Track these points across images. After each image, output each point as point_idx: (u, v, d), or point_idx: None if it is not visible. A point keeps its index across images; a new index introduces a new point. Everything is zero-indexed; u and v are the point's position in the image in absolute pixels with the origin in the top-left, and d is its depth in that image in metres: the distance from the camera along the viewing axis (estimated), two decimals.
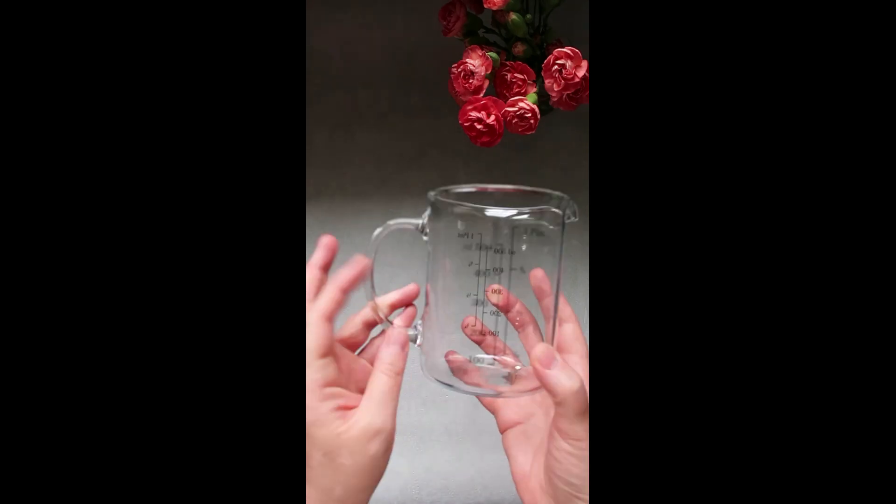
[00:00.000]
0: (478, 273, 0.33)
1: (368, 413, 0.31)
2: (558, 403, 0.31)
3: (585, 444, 0.30)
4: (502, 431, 0.37)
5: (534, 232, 0.32)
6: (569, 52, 0.46)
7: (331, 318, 0.34)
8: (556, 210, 0.33)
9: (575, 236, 0.62)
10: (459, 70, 0.48)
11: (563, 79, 0.46)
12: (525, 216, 0.32)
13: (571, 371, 0.31)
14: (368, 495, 0.32)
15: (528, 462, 0.34)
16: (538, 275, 0.34)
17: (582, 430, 0.30)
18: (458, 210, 0.33)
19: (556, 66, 0.47)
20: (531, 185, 0.37)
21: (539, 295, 0.35)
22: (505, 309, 0.34)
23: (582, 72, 0.46)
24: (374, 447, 0.31)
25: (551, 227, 0.33)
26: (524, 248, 0.32)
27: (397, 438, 0.61)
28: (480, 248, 0.32)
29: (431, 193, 0.35)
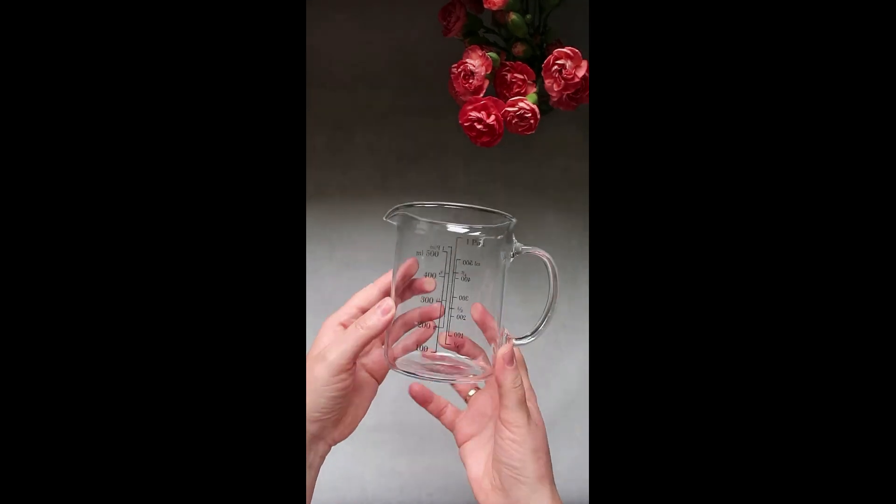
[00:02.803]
0: (432, 275, 0.38)
1: (333, 347, 0.37)
2: (502, 395, 0.37)
3: (524, 431, 0.36)
4: (460, 445, 0.42)
5: (474, 243, 0.37)
6: (569, 52, 0.46)
7: (379, 288, 0.41)
8: (500, 226, 0.38)
9: (575, 236, 0.62)
10: (459, 70, 0.48)
11: (563, 79, 0.46)
12: (476, 232, 0.37)
13: (517, 373, 0.37)
14: (313, 415, 0.37)
15: (482, 466, 0.39)
16: (479, 308, 0.39)
17: (521, 419, 0.36)
18: (418, 228, 0.38)
19: (556, 66, 0.47)
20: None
21: (483, 327, 0.40)
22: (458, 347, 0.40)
23: (582, 72, 0.46)
24: (318, 370, 0.37)
25: (497, 237, 0.38)
26: (470, 257, 0.37)
27: (397, 438, 0.60)
28: (435, 255, 0.37)
29: (385, 218, 0.39)
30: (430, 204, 0.38)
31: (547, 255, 0.39)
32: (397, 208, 0.39)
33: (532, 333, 0.40)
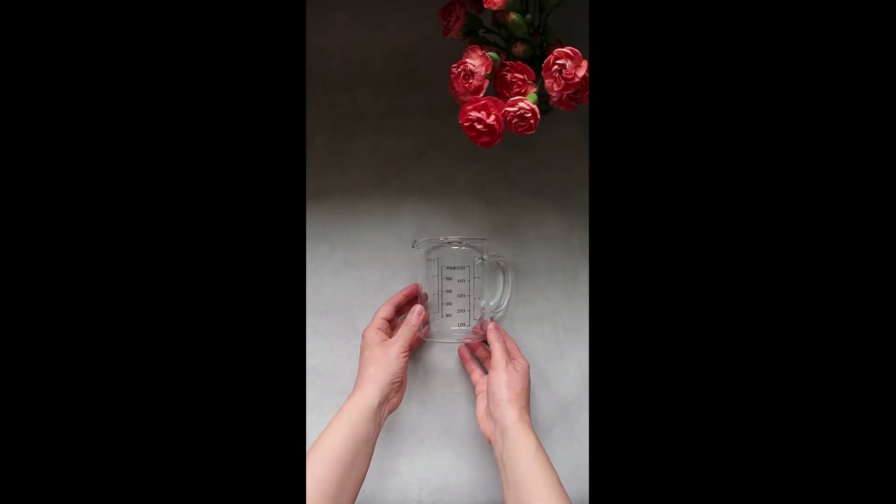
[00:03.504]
0: (443, 278, 0.61)
1: (397, 337, 0.57)
2: (490, 347, 0.57)
3: (501, 370, 0.55)
4: (476, 395, 0.60)
5: (465, 254, 0.60)
6: (569, 52, 0.46)
7: (393, 304, 0.60)
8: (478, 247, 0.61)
9: (575, 236, 0.62)
10: (459, 70, 0.48)
11: (563, 79, 0.46)
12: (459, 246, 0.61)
13: (497, 333, 0.58)
14: (383, 377, 0.54)
15: (484, 405, 0.57)
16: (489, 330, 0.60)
17: (500, 362, 0.55)
18: (431, 248, 0.62)
19: (556, 66, 0.47)
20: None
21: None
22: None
23: (582, 72, 0.46)
24: (392, 350, 0.55)
25: (478, 257, 0.61)
26: (463, 263, 0.61)
27: (397, 438, 0.61)
28: (446, 263, 0.61)
29: (412, 247, 0.62)
30: (442, 238, 0.61)
31: (503, 258, 0.63)
32: (421, 241, 0.61)
33: (502, 309, 0.64)
